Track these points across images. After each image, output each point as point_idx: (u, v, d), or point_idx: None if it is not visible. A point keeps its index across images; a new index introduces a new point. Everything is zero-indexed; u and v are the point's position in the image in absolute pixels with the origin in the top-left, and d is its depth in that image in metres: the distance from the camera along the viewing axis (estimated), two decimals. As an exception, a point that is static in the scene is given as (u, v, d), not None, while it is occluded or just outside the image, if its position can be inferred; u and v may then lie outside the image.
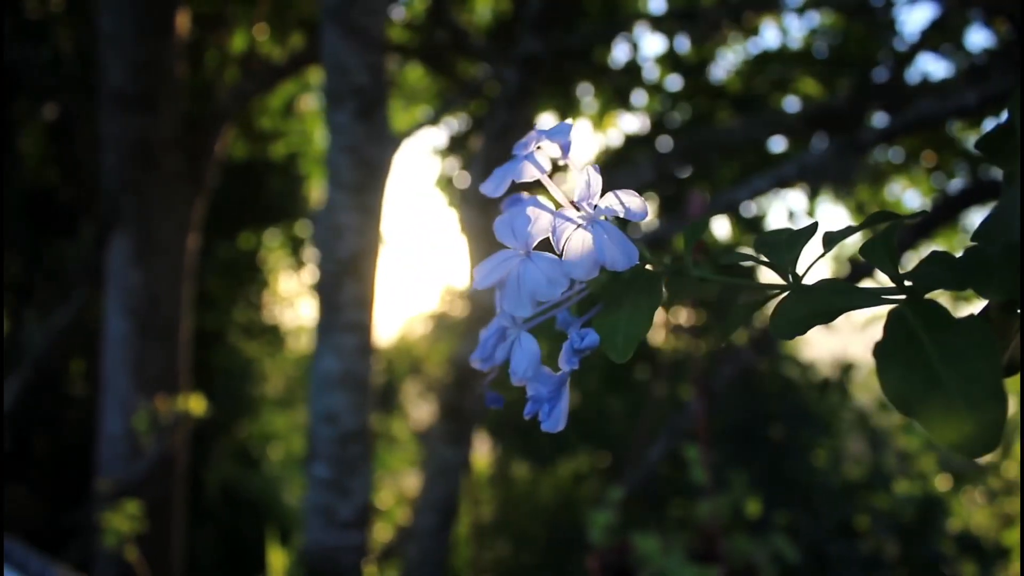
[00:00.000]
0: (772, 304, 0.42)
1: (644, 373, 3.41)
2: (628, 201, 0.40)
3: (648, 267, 0.44)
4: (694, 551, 1.50)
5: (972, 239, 0.40)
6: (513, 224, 0.40)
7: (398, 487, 5.35)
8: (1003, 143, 0.42)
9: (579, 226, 0.39)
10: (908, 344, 0.35)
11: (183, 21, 3.17)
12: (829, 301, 0.39)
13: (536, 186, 0.44)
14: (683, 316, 2.88)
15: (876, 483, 2.94)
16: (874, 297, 0.39)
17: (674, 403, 3.14)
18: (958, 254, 0.39)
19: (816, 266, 0.45)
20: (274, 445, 4.97)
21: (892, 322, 0.37)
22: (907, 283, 0.39)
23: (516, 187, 0.43)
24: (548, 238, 0.39)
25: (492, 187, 0.43)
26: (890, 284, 0.40)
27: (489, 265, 0.41)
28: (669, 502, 2.72)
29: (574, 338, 0.41)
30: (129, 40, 2.93)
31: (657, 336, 3.64)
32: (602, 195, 0.40)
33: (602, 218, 0.39)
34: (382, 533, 4.46)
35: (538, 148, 0.44)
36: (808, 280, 0.43)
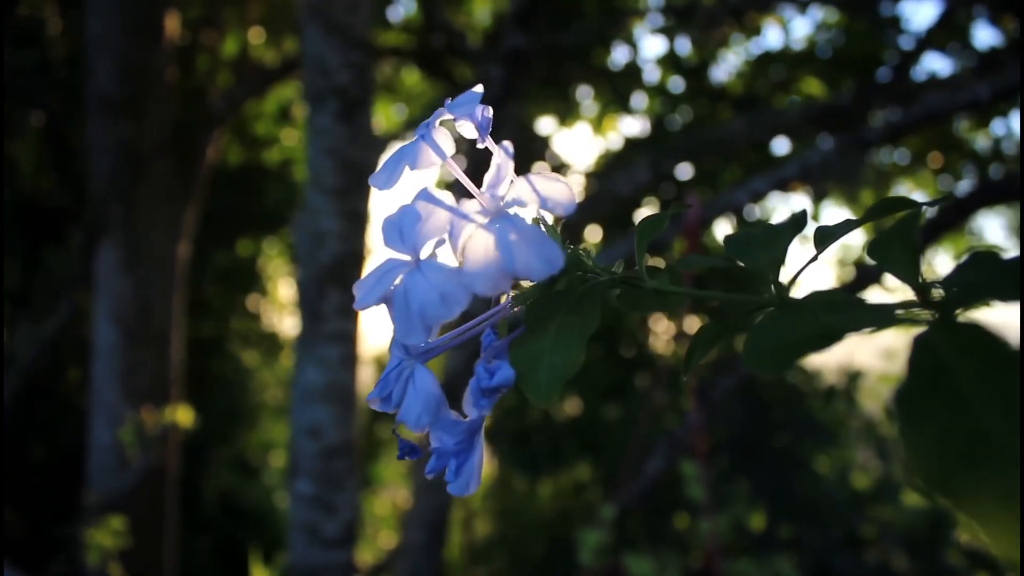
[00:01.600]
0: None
1: (645, 381, 3.33)
2: (547, 189, 0.30)
3: (588, 276, 0.34)
4: (691, 572, 1.42)
5: None
6: (401, 224, 0.31)
7: (391, 502, 5.27)
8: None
9: (480, 224, 0.30)
10: (941, 390, 0.23)
11: (172, 24, 3.11)
12: (824, 322, 0.28)
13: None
14: (686, 322, 2.81)
15: (884, 494, 2.86)
16: (888, 316, 0.28)
17: (675, 412, 3.06)
18: (1008, 255, 0.28)
19: (807, 272, 0.36)
20: (273, 454, 4.90)
21: (918, 355, 0.25)
22: (936, 293, 0.29)
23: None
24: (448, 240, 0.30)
25: (383, 178, 0.35)
26: (911, 296, 0.29)
27: (372, 278, 0.31)
28: (668, 516, 2.63)
29: (481, 375, 0.32)
30: (117, 44, 2.88)
31: (659, 343, 3.56)
32: (515, 181, 0.31)
33: (512, 211, 0.30)
34: (374, 548, 4.38)
35: (442, 125, 0.35)
36: (796, 292, 0.34)
